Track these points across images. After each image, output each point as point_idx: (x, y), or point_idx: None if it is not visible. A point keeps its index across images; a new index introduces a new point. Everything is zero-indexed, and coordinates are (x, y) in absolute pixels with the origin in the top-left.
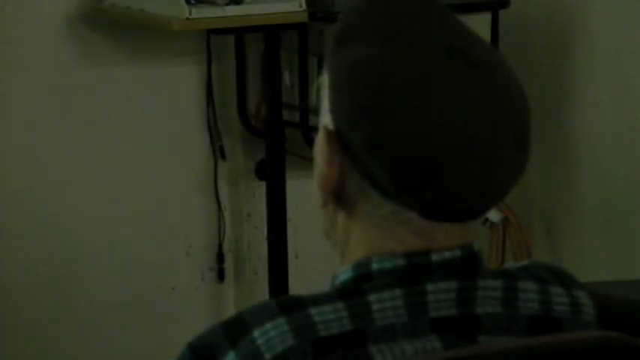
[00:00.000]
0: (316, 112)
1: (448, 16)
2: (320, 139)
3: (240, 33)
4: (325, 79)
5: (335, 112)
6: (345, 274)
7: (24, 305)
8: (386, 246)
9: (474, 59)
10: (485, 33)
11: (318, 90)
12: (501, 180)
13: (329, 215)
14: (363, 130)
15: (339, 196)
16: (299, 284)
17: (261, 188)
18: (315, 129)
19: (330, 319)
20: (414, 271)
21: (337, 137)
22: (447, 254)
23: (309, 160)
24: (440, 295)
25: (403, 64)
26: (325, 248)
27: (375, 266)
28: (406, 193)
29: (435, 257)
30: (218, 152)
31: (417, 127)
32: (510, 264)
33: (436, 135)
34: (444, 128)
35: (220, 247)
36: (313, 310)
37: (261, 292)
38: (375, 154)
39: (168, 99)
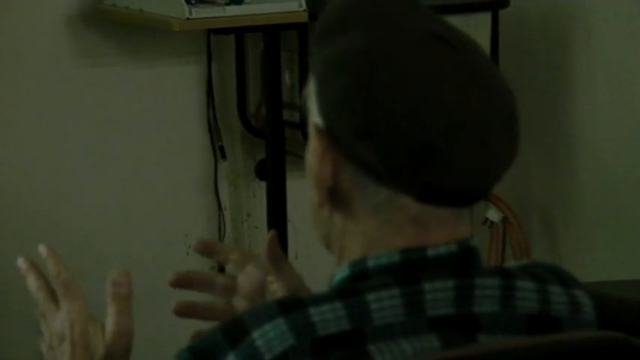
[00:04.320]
0: None
1: (423, 6)
2: (311, 139)
3: (240, 33)
4: (312, 83)
5: (324, 107)
6: (341, 272)
7: (24, 305)
8: (383, 237)
9: (457, 45)
10: (485, 33)
11: (306, 99)
12: (493, 162)
13: (325, 219)
14: (352, 117)
15: (334, 195)
16: None
17: (261, 188)
18: None
19: (329, 318)
20: (411, 268)
21: (328, 133)
22: (443, 249)
23: None
24: (437, 294)
25: (386, 50)
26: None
27: (371, 263)
28: (401, 175)
29: (430, 252)
30: (218, 152)
31: (407, 109)
32: (510, 263)
33: (426, 116)
34: (434, 109)
35: None
36: (312, 310)
37: None
38: (367, 140)
39: (168, 99)
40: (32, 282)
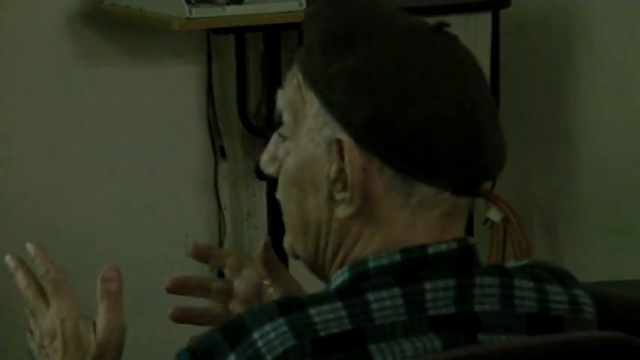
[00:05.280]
0: None
1: (406, 10)
2: (319, 156)
3: (240, 32)
4: (310, 96)
5: (356, 116)
6: (341, 276)
7: (24, 306)
8: (407, 236)
9: (450, 34)
10: (485, 32)
11: (280, 115)
12: (504, 141)
13: (333, 228)
14: (404, 120)
15: (362, 203)
16: None
17: (261, 188)
18: None
19: (330, 318)
20: (411, 267)
21: (362, 145)
22: (444, 247)
23: None
24: (438, 294)
25: (411, 52)
26: None
27: (371, 264)
28: (451, 170)
29: (431, 250)
30: (218, 152)
31: (449, 106)
32: (510, 263)
33: (465, 111)
34: (466, 103)
35: (220, 246)
36: (312, 311)
37: None
38: (419, 144)
39: (168, 99)
40: (21, 280)
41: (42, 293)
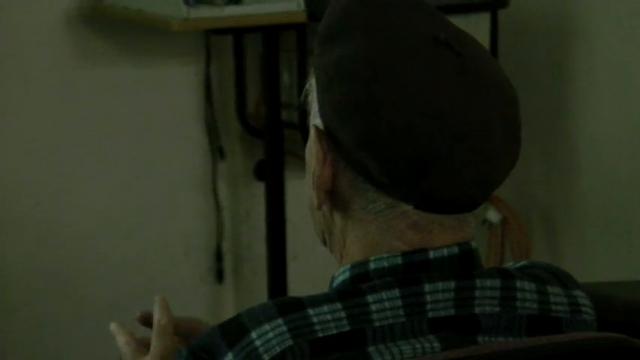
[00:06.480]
0: None
1: (430, 10)
2: (311, 140)
3: (239, 33)
4: (312, 82)
5: (324, 111)
6: (343, 274)
7: (24, 306)
8: (384, 242)
9: (459, 50)
10: (484, 33)
11: (306, 96)
12: (493, 169)
13: (325, 217)
14: (353, 125)
15: (334, 196)
16: (298, 285)
17: (260, 188)
18: None
19: (329, 319)
20: (412, 270)
21: (328, 136)
22: (445, 251)
23: None
24: (438, 296)
25: (389, 57)
26: (324, 248)
27: (372, 265)
28: (401, 185)
29: (432, 255)
30: (217, 152)
31: (408, 119)
32: (509, 264)
33: (427, 126)
34: (435, 119)
35: (219, 247)
36: (311, 311)
37: (260, 293)
38: (367, 149)
39: (167, 99)
40: (120, 338)
41: (139, 350)
